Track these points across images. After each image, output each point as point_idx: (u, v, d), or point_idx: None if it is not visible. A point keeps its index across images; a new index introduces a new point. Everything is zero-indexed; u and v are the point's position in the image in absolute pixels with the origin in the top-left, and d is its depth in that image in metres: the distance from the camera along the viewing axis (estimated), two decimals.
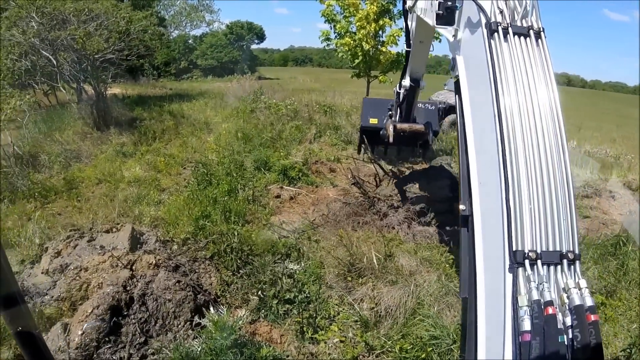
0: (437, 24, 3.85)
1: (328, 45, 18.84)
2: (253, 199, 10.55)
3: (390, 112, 9.20)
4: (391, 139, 8.53)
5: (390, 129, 8.49)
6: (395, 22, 17.81)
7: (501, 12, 3.10)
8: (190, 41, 63.66)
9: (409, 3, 5.96)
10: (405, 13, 6.95)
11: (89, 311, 5.82)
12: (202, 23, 48.42)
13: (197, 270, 7.51)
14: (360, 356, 5.99)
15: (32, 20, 17.82)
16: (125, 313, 5.97)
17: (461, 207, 3.31)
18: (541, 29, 3.09)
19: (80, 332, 5.65)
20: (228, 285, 7.28)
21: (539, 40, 3.06)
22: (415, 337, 6.07)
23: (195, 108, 22.57)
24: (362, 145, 11.62)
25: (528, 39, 3.05)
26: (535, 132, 2.74)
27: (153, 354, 5.69)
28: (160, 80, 48.03)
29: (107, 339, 5.69)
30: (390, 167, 12.84)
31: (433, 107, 9.87)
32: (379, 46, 17.33)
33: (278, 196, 10.95)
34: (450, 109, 20.20)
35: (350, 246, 8.02)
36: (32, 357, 2.05)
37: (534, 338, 2.28)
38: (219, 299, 6.95)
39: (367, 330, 6.31)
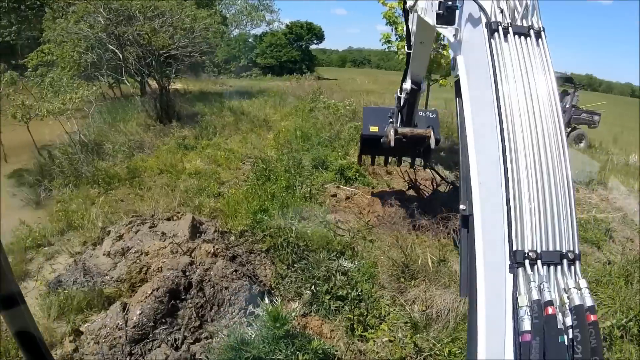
0: (437, 24, 3.79)
1: (389, 47, 18.72)
2: (310, 197, 10.62)
3: (391, 120, 8.96)
4: (392, 143, 8.25)
5: (392, 132, 8.24)
6: None
7: (501, 11, 3.06)
8: (250, 40, 64.65)
9: (409, 3, 5.85)
10: (405, 13, 6.78)
11: (149, 293, 6.01)
12: (262, 22, 49.07)
13: (252, 262, 7.63)
14: (408, 357, 5.96)
15: (100, 15, 18.44)
16: (183, 297, 6.14)
17: (461, 207, 3.29)
18: (541, 29, 3.06)
19: (138, 312, 5.84)
20: (282, 278, 7.36)
21: (539, 39, 3.02)
22: (465, 341, 6.00)
23: (255, 105, 22.88)
24: (362, 154, 11.35)
25: (528, 38, 3.02)
26: (536, 131, 2.71)
27: (206, 338, 5.84)
28: (220, 77, 48.89)
29: (163, 320, 5.88)
30: (447, 172, 12.74)
31: (434, 115, 9.60)
32: (441, 49, 17.13)
33: (334, 195, 10.97)
34: None
35: (405, 248, 7.99)
36: (32, 358, 2.05)
37: (534, 338, 2.25)
38: (272, 291, 7.05)
39: (417, 332, 6.26)
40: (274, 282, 7.29)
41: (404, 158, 11.24)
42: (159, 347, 5.70)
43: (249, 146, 15.43)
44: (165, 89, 20.42)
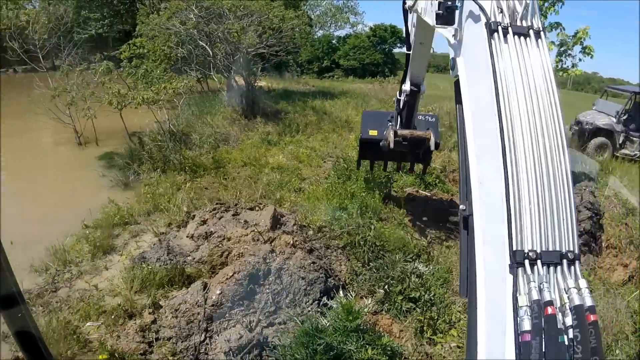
0: (437, 24, 3.75)
1: None
2: (389, 199, 10.63)
3: (390, 124, 8.74)
4: (392, 145, 8.08)
5: (391, 134, 8.10)
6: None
7: (501, 11, 3.03)
8: (333, 41, 64.73)
9: (409, 3, 5.74)
10: (405, 14, 6.62)
11: (230, 275, 6.27)
12: (346, 24, 49.49)
13: (329, 257, 7.77)
14: None
15: (192, 12, 19.15)
16: (261, 282, 6.34)
17: (461, 207, 3.28)
18: (541, 29, 3.04)
19: (218, 292, 6.13)
20: (357, 275, 7.46)
21: (539, 40, 2.99)
22: None
23: (337, 106, 22.96)
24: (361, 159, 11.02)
25: (528, 38, 2.99)
26: (536, 132, 2.69)
27: (280, 323, 6.02)
28: (303, 77, 49.36)
29: (241, 302, 6.13)
30: None
31: (434, 119, 9.24)
32: None
33: (413, 199, 10.93)
34: (597, 131, 18.80)
35: None
36: (32, 358, 2.10)
37: (534, 338, 2.25)
38: (346, 286, 7.14)
39: None
40: (348, 278, 7.39)
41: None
42: (233, 326, 5.95)
43: (330, 145, 15.57)
44: (251, 85, 20.91)
